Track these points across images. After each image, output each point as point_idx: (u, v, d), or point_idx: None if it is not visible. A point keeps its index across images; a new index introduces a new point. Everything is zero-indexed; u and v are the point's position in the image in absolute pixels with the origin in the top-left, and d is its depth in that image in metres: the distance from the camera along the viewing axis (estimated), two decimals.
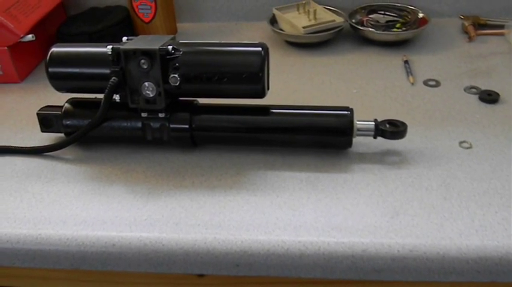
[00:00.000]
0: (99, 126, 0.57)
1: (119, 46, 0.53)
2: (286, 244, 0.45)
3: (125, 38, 0.56)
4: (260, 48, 0.53)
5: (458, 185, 0.51)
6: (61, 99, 0.60)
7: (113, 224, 0.49)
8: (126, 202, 0.52)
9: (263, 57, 0.52)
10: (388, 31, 0.81)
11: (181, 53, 0.53)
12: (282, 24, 0.86)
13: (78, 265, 0.49)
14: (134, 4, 0.86)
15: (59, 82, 0.57)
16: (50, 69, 0.57)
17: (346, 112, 0.55)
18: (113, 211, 0.51)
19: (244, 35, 0.90)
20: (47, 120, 0.60)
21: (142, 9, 0.86)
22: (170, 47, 0.52)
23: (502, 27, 0.82)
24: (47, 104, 0.62)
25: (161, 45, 0.52)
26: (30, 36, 0.76)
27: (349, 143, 0.55)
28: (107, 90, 0.53)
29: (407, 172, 0.53)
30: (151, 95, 0.54)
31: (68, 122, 0.58)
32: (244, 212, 0.49)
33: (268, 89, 0.55)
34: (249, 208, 0.50)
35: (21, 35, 0.75)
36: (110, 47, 0.53)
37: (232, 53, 0.53)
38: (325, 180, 0.53)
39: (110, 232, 0.48)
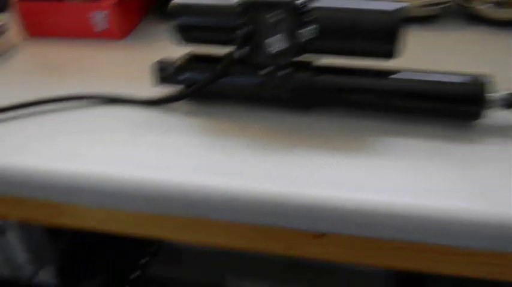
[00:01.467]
0: (217, 81, 0.56)
1: None
2: (425, 208, 0.44)
3: None
4: (396, 7, 0.50)
5: None
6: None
7: (233, 174, 0.49)
8: (243, 155, 0.51)
9: (399, 16, 0.50)
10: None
11: (315, 6, 0.51)
12: None
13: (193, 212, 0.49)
14: None
15: (184, 34, 0.57)
16: (176, 21, 0.56)
17: (478, 79, 0.51)
18: (233, 162, 0.50)
19: None
20: (163, 71, 0.60)
21: None
22: (303, 0, 0.51)
23: None
24: (152, 61, 0.61)
25: None
26: None
27: (479, 114, 0.52)
28: (233, 44, 0.52)
29: None
30: (275, 51, 0.53)
31: (186, 76, 0.58)
32: (373, 175, 0.48)
33: (398, 52, 0.52)
34: (375, 172, 0.48)
35: None
36: None
37: (368, 11, 0.51)
38: (454, 149, 0.50)
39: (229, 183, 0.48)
